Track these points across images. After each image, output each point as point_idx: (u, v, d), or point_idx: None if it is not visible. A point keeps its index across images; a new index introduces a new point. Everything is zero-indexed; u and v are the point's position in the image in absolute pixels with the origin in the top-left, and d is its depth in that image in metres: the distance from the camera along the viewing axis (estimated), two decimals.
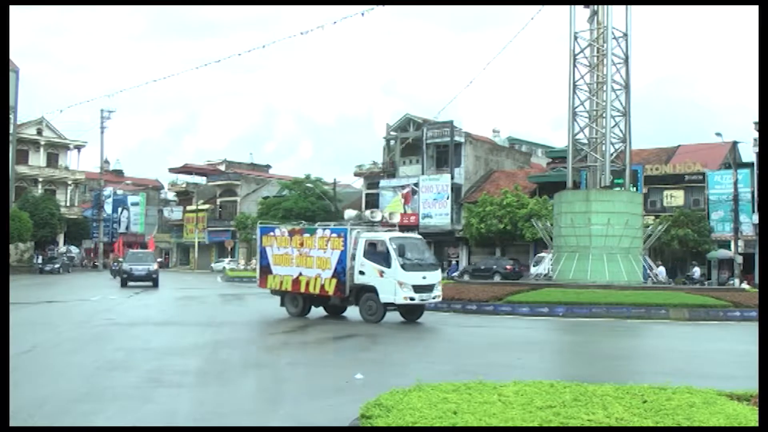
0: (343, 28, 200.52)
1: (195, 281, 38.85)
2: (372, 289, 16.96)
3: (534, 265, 41.66)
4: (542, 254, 43.23)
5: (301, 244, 18.37)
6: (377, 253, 17.24)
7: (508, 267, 41.58)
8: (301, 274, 18.24)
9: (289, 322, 17.16)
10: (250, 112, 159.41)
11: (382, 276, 16.80)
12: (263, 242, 19.65)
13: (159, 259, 50.81)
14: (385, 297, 16.72)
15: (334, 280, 17.47)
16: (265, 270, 19.36)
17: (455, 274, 45.54)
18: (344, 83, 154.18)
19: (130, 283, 32.74)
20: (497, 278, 39.35)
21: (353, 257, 17.34)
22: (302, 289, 18.22)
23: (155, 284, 32.53)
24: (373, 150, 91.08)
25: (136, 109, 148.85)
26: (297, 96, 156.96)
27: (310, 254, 18.12)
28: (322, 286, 17.71)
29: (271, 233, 19.63)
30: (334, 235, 17.87)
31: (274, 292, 19.54)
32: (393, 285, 16.57)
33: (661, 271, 35.95)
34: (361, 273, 17.19)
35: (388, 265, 16.74)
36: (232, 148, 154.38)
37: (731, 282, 36.73)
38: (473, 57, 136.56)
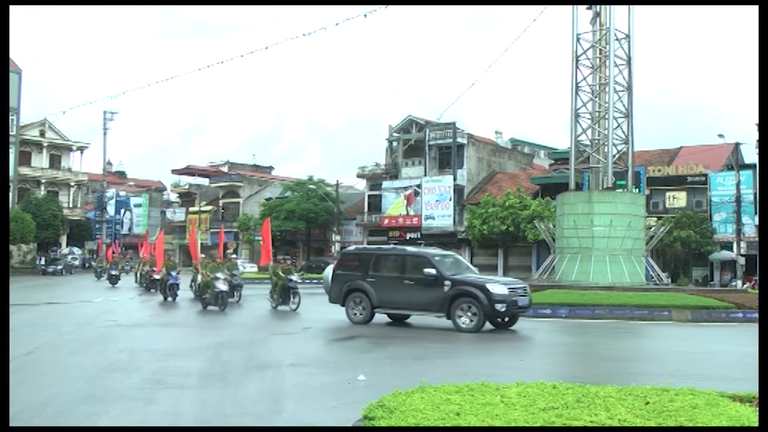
0: (348, 30, 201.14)
1: None
2: None
3: None
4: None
5: None
6: None
7: None
8: None
9: (291, 323, 17.17)
10: (258, 114, 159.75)
11: None
12: None
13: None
14: None
15: None
16: None
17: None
18: (351, 85, 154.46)
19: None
20: None
21: None
22: None
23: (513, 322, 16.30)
24: (378, 152, 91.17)
25: (142, 111, 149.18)
26: (305, 98, 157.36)
27: None
28: None
29: None
30: None
31: None
32: None
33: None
34: None
35: None
36: (240, 151, 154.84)
37: (733, 283, 36.71)
38: (476, 58, 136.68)
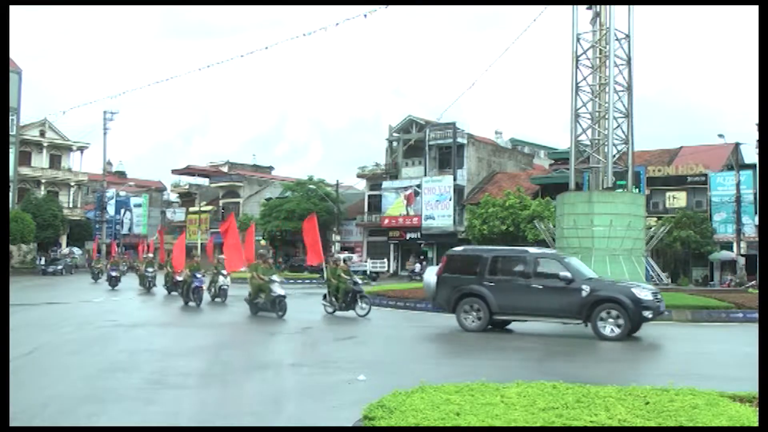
0: (348, 30, 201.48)
1: None
2: None
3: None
4: (338, 255, 51.33)
5: None
6: None
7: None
8: None
9: (291, 324, 17.16)
10: (259, 114, 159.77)
11: None
12: None
13: None
14: None
15: None
16: None
17: None
18: (351, 85, 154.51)
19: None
20: None
21: None
22: None
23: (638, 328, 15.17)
24: (378, 152, 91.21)
25: (142, 111, 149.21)
26: (305, 98, 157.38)
27: None
28: None
29: None
30: None
31: None
32: None
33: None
34: None
35: None
36: (240, 151, 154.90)
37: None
38: (477, 58, 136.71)
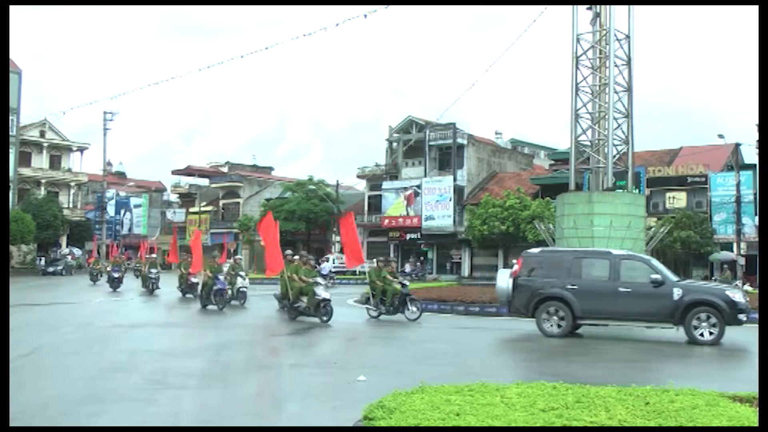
0: (348, 30, 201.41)
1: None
2: None
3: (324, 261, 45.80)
4: (328, 255, 50.25)
5: None
6: None
7: None
8: None
9: (291, 325, 17.16)
10: (259, 115, 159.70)
11: None
12: None
13: None
14: None
15: None
16: None
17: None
18: (352, 85, 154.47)
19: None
20: None
21: None
22: None
23: None
24: (378, 152, 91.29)
25: (142, 112, 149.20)
26: (306, 99, 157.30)
27: None
28: None
29: None
30: None
31: None
32: None
33: None
34: None
35: None
36: (241, 152, 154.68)
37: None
38: (477, 58, 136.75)
